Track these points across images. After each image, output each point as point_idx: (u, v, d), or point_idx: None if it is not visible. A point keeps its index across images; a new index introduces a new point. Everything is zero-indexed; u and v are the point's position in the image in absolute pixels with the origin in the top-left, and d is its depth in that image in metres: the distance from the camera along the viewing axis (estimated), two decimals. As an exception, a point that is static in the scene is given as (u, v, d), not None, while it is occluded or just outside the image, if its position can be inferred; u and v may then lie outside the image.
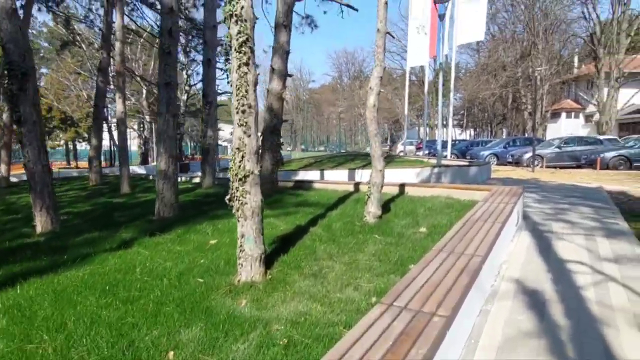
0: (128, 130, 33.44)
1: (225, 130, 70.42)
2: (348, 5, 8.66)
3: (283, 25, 8.04)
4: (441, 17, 11.69)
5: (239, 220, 3.28)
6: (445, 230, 4.58)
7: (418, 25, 19.52)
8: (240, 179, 3.22)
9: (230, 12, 3.09)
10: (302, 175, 14.68)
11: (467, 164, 11.33)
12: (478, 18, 15.30)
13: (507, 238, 4.61)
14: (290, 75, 8.57)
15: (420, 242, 4.30)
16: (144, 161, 29.91)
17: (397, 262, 3.67)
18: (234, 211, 3.30)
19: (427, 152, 23.77)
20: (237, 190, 3.24)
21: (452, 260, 2.95)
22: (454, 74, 18.75)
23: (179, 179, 8.05)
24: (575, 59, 39.12)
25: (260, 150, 8.36)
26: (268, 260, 3.59)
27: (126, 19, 16.85)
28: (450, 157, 20.76)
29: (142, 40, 25.91)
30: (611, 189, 9.76)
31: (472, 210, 4.97)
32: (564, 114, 39.99)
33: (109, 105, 28.69)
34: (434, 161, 13.03)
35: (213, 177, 10.92)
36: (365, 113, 5.04)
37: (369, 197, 5.12)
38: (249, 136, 3.20)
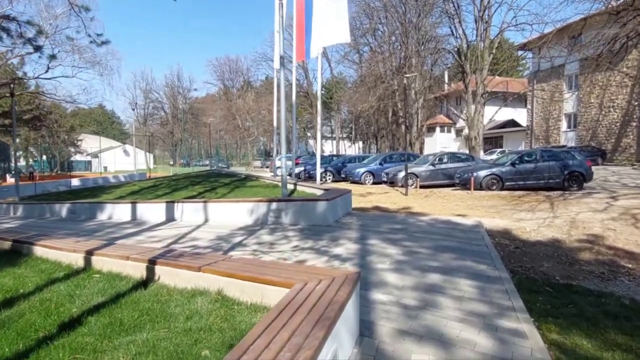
0: None
1: (88, 142, 60.08)
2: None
3: None
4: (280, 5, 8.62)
5: None
6: None
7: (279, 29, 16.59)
8: None
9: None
10: (108, 212, 10.28)
11: (315, 198, 8.21)
12: (341, 19, 12.88)
13: None
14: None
15: None
16: None
17: None
18: None
19: (302, 169, 20.81)
20: None
21: None
22: (320, 79, 16.12)
23: None
24: (446, 75, 41.01)
25: None
26: None
27: None
28: (323, 177, 18.03)
29: None
30: (491, 227, 7.55)
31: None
32: (438, 129, 41.64)
33: None
34: (308, 187, 9.76)
35: None
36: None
37: None
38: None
